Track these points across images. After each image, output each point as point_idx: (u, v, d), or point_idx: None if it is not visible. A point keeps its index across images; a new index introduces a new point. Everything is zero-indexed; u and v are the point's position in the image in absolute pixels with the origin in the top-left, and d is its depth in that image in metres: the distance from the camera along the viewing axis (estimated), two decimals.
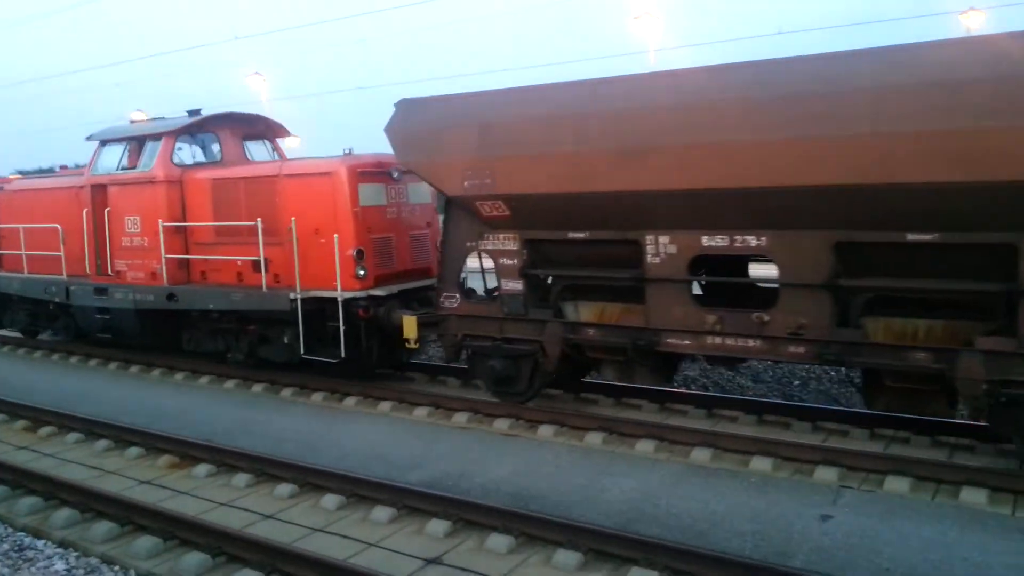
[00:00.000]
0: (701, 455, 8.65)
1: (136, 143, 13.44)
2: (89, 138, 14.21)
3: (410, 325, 10.60)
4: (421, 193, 12.06)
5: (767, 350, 8.68)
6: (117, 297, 13.41)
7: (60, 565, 6.64)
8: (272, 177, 11.91)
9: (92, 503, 7.68)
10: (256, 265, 11.69)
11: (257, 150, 14.15)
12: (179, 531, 6.98)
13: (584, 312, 9.96)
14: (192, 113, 13.40)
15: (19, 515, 7.69)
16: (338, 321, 10.89)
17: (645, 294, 9.20)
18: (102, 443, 9.75)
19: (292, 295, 11.13)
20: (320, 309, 11.18)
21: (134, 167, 13.28)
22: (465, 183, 9.75)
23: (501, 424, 10.04)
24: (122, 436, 9.82)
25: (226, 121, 13.86)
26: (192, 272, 13.02)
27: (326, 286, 10.97)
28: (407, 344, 10.77)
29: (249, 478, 8.33)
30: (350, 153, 11.51)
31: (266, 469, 8.45)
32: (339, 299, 10.81)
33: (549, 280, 10.27)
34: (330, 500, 7.64)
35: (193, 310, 12.77)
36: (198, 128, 13.48)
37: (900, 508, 7.15)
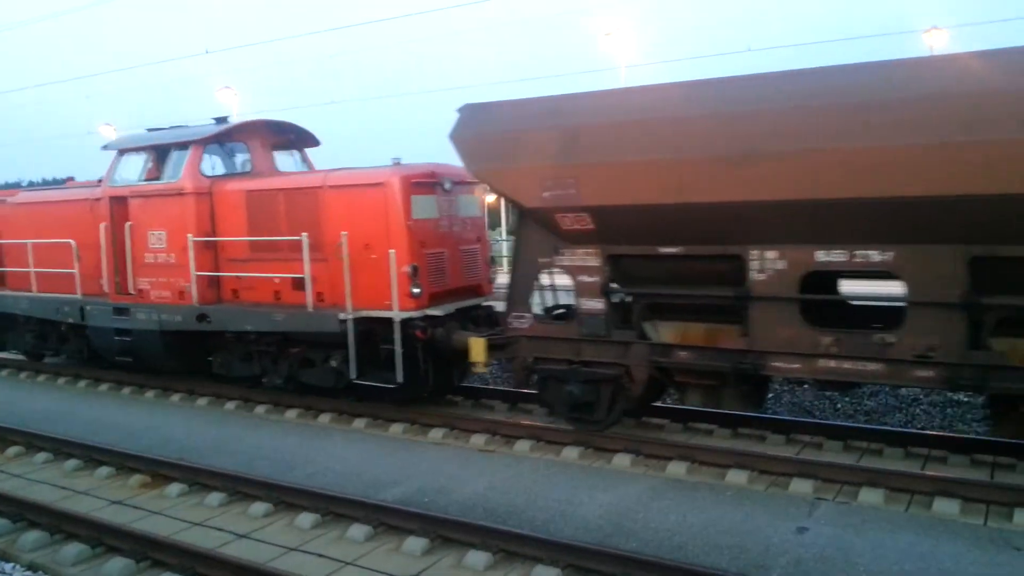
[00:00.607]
0: (677, 468, 8.67)
1: (160, 152, 12.52)
2: (106, 147, 13.38)
3: (478, 348, 9.80)
4: (471, 206, 11.50)
5: (889, 374, 7.96)
6: (140, 318, 12.49)
7: None
8: (316, 189, 11.04)
9: (62, 524, 7.52)
10: (297, 283, 10.94)
11: (284, 161, 13.32)
12: (151, 552, 6.86)
13: (664, 333, 9.26)
14: (219, 121, 12.60)
15: None
16: (392, 343, 10.10)
17: (747, 313, 8.42)
18: (72, 463, 9.57)
19: (342, 315, 10.32)
20: (369, 330, 10.45)
21: (158, 178, 12.38)
22: (544, 193, 8.98)
23: (477, 440, 10.01)
24: (92, 455, 9.64)
25: (255, 129, 12.98)
26: (222, 291, 12.10)
27: (377, 305, 10.25)
28: (473, 368, 10.21)
29: (223, 497, 8.22)
30: (399, 163, 10.79)
31: (240, 488, 8.34)
32: (395, 319, 10.02)
33: (628, 299, 9.50)
34: (305, 518, 7.56)
35: (226, 332, 11.89)
36: (227, 136, 12.60)
37: (874, 519, 7.22)
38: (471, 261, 11.39)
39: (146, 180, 12.51)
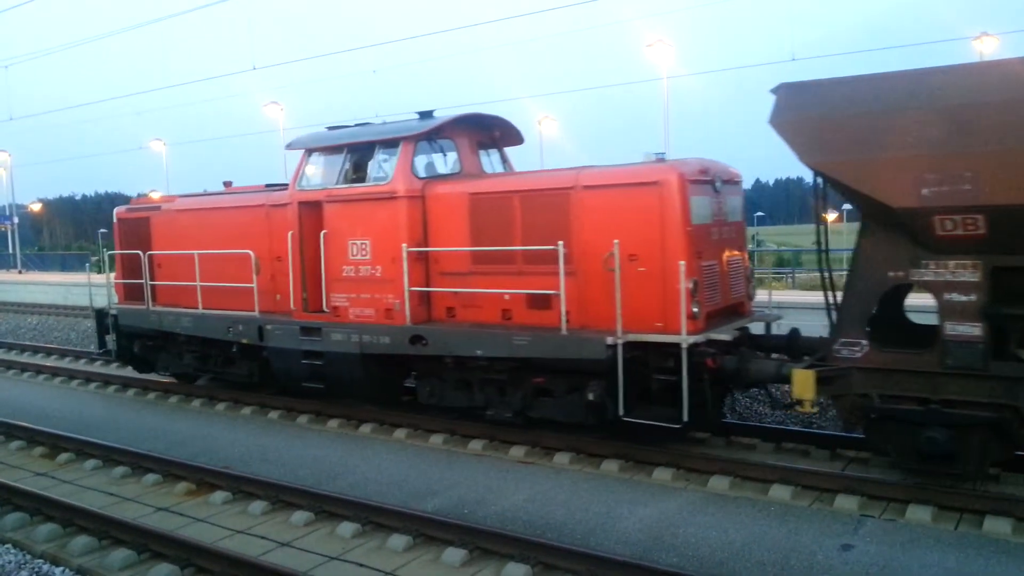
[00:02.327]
0: (720, 483, 8.56)
1: (361, 151, 11.17)
2: (290, 146, 12.04)
3: (806, 382, 8.04)
4: (737, 209, 10.05)
5: None
6: (335, 339, 11.10)
7: None
8: (565, 190, 9.54)
9: (110, 530, 7.69)
10: (536, 301, 9.69)
11: (487, 161, 11.88)
12: (195, 558, 6.97)
13: None
14: (423, 116, 11.14)
15: (37, 542, 7.70)
16: (668, 373, 8.82)
17: None
18: (120, 470, 9.78)
19: (610, 339, 8.87)
20: (632, 358, 8.93)
21: (361, 179, 11.07)
22: (924, 190, 7.35)
23: (517, 451, 10.00)
24: (140, 463, 9.85)
25: (464, 125, 11.49)
26: (434, 309, 10.73)
27: (644, 327, 8.87)
28: (797, 408, 8.37)
29: (265, 505, 8.33)
30: (662, 158, 9.43)
31: (282, 496, 8.44)
32: (683, 345, 8.54)
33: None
34: (346, 528, 7.62)
35: (446, 356, 10.39)
36: (437, 133, 11.13)
37: (922, 537, 7.05)
38: (736, 275, 9.97)
39: (348, 182, 11.19)
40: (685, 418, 8.55)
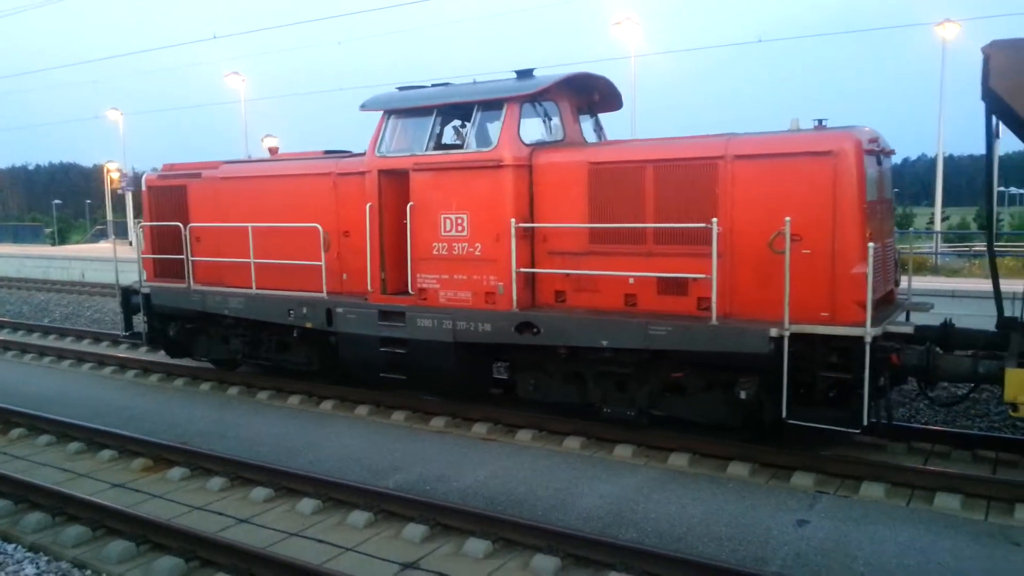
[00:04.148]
0: (679, 460, 8.66)
1: (455, 113, 10.14)
2: (365, 106, 10.58)
3: (1022, 383, 7.32)
4: (890, 184, 9.05)
5: None
6: (422, 325, 9.95)
7: (30, 569, 6.52)
8: (712, 160, 8.40)
9: (64, 506, 7.56)
10: (670, 285, 8.70)
11: (586, 127, 10.77)
12: (152, 535, 6.89)
13: None
14: (522, 75, 9.84)
15: None
16: (842, 369, 7.90)
17: None
18: (74, 445, 9.60)
19: (774, 331, 7.90)
20: (793, 352, 7.85)
21: (458, 146, 10.02)
22: None
23: (479, 428, 10.01)
24: (95, 439, 9.68)
25: (569, 87, 10.26)
26: (540, 292, 9.67)
27: (808, 318, 7.85)
28: (1011, 412, 7.54)
29: (224, 482, 8.24)
30: (823, 124, 8.25)
31: (241, 473, 8.36)
32: (867, 338, 7.51)
33: None
34: (306, 504, 7.57)
35: (559, 347, 9.32)
36: (543, 95, 9.93)
37: (875, 513, 7.20)
38: (890, 259, 9.03)
39: (441, 148, 10.08)
40: (864, 421, 7.64)
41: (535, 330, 9.22)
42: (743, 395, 8.24)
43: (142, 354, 14.93)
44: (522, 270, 9.39)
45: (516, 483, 8.12)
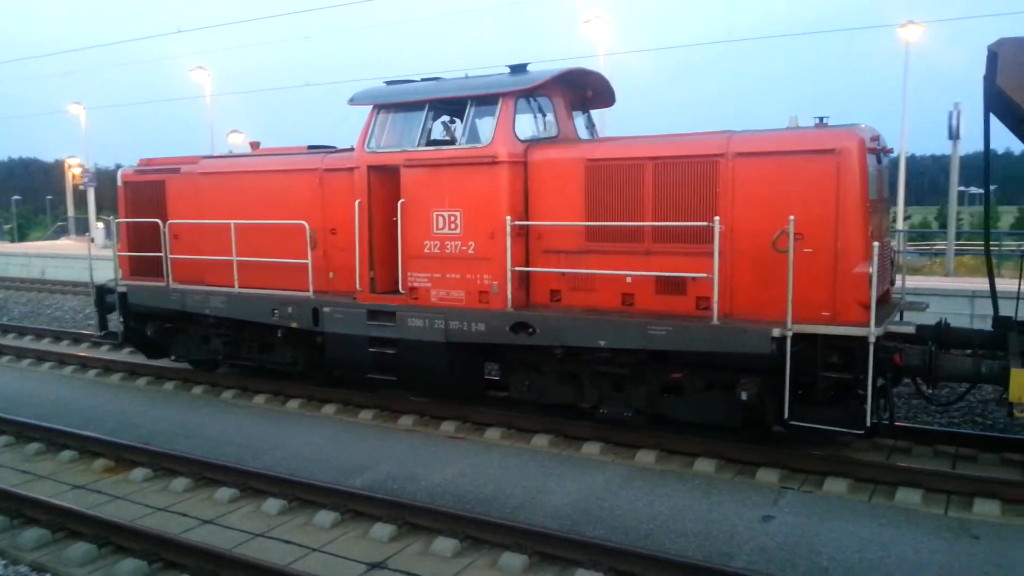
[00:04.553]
0: (646, 457, 8.71)
1: (447, 108, 9.95)
2: (353, 101, 10.32)
3: None
4: (885, 183, 9.00)
5: None
6: (413, 325, 9.73)
7: None
8: (712, 158, 8.32)
9: (22, 509, 7.40)
10: (669, 284, 8.58)
11: (578, 123, 10.58)
12: (114, 537, 6.77)
13: None
14: (516, 69, 9.69)
15: None
16: (843, 369, 7.90)
17: None
18: (33, 446, 9.41)
19: (777, 331, 7.79)
20: (794, 352, 7.75)
21: (447, 141, 9.93)
22: None
23: (447, 427, 9.98)
24: (55, 439, 9.50)
25: (563, 83, 10.10)
26: (534, 292, 9.49)
27: (809, 317, 7.79)
28: (1016, 413, 7.52)
29: (188, 482, 8.13)
30: (824, 123, 8.19)
31: (205, 473, 8.25)
32: (871, 338, 7.45)
33: None
34: (272, 504, 7.50)
35: (555, 347, 9.12)
36: (538, 91, 9.73)
37: (839, 508, 7.30)
38: (887, 259, 9.00)
39: (433, 144, 9.86)
40: (868, 423, 7.59)
41: (530, 330, 9.07)
42: (744, 396, 8.12)
43: (104, 353, 14.70)
44: (517, 269, 9.23)
45: (484, 481, 8.11)
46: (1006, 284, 17.65)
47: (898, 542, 6.57)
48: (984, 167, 8.88)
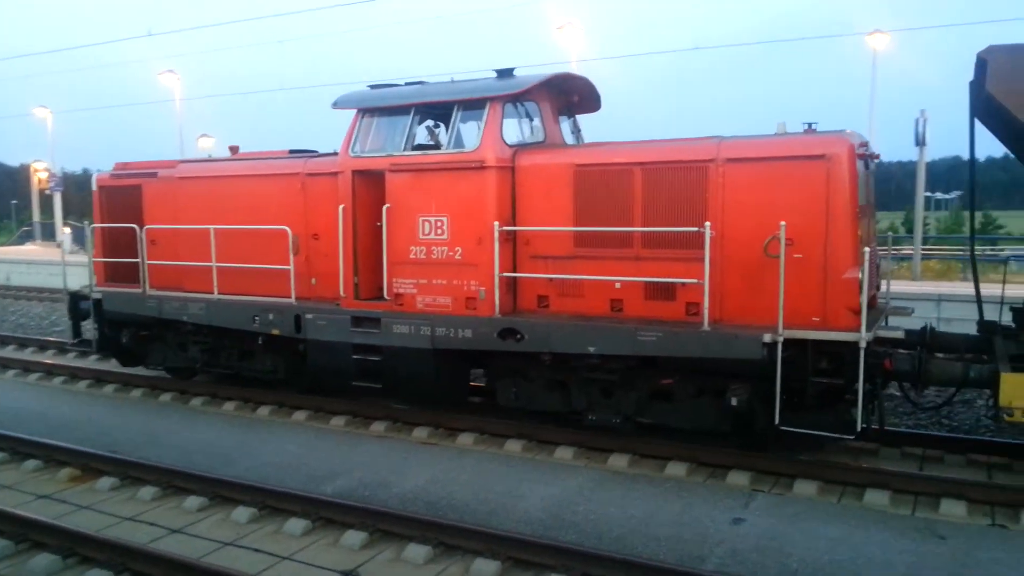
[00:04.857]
0: (619, 461, 8.73)
1: (433, 112, 9.89)
2: (336, 104, 10.24)
3: (1017, 387, 7.29)
4: (872, 188, 8.98)
5: None
6: (399, 332, 9.61)
7: None
8: (702, 163, 8.30)
9: None
10: (658, 290, 8.58)
11: (564, 128, 10.53)
12: (80, 548, 6.65)
13: None
14: (503, 74, 9.59)
15: None
16: (833, 375, 7.93)
17: None
18: None
19: (767, 337, 7.77)
20: (785, 358, 7.72)
21: (433, 146, 9.90)
22: None
23: (420, 433, 9.94)
24: (19, 448, 9.31)
25: (548, 88, 10.05)
26: (521, 298, 9.45)
27: (799, 323, 7.81)
28: (1006, 417, 7.52)
29: (156, 491, 8.02)
30: (813, 129, 8.21)
31: (174, 481, 8.14)
32: (861, 343, 7.48)
33: None
34: (242, 513, 7.41)
35: (544, 353, 9.07)
36: (525, 95, 9.70)
37: (808, 510, 7.37)
38: (874, 264, 8.83)
39: (419, 148, 9.80)
40: (859, 427, 7.61)
41: (519, 336, 8.97)
42: (735, 402, 8.08)
43: (70, 360, 14.48)
44: (506, 275, 9.15)
45: (457, 487, 8.08)
46: (972, 288, 17.95)
47: (866, 543, 6.64)
48: (970, 173, 9.00)
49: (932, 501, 7.51)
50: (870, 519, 7.15)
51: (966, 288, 18.30)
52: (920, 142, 23.69)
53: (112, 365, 13.45)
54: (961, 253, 26.57)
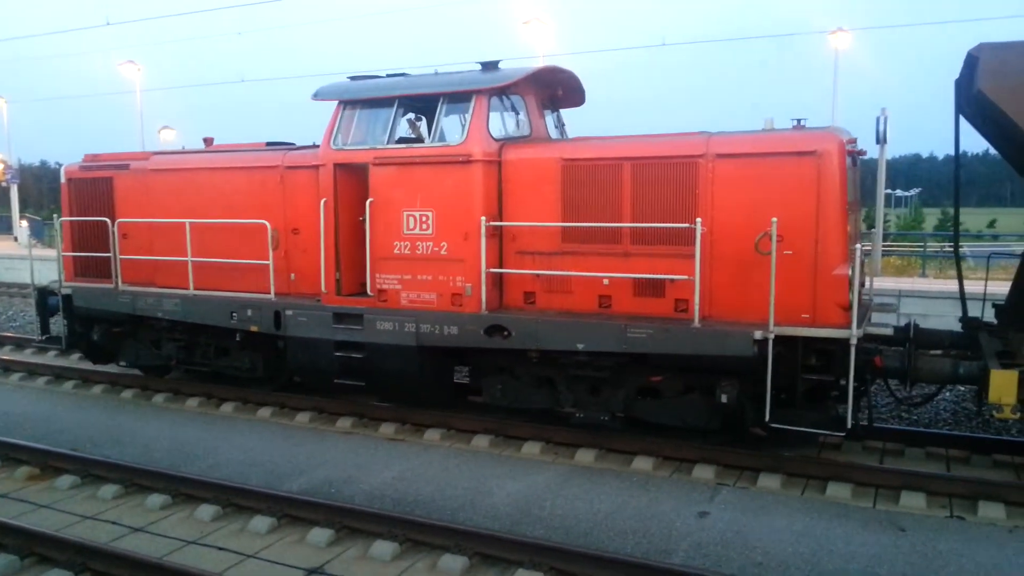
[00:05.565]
0: (586, 456, 8.77)
1: (418, 105, 9.79)
2: (317, 96, 10.07)
3: (1007, 384, 7.27)
4: (856, 186, 8.97)
5: None
6: (382, 328, 9.48)
7: None
8: (692, 159, 8.27)
9: None
10: (647, 286, 8.52)
11: (548, 122, 10.42)
12: (39, 547, 6.52)
13: None
14: (487, 67, 9.51)
15: None
16: (823, 371, 7.91)
17: None
18: None
19: (759, 334, 7.77)
20: (775, 355, 7.75)
21: (416, 139, 9.84)
22: None
23: (386, 428, 9.89)
24: None
25: (534, 82, 9.94)
26: (508, 294, 9.34)
27: (790, 319, 7.77)
28: (995, 414, 7.59)
29: (117, 489, 7.89)
30: (802, 124, 8.20)
31: (136, 479, 8.02)
32: (852, 340, 7.49)
33: None
34: (205, 511, 7.32)
35: (531, 351, 8.97)
36: (511, 89, 9.58)
37: (772, 504, 7.46)
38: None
39: (405, 142, 9.69)
40: (848, 424, 7.64)
41: (506, 333, 8.89)
42: (724, 399, 8.08)
43: (28, 356, 14.17)
44: (492, 270, 9.04)
45: (424, 483, 8.06)
46: (934, 284, 18.31)
47: (829, 535, 6.74)
48: (955, 170, 9.05)
49: (893, 494, 7.65)
50: (832, 512, 7.26)
51: (926, 284, 18.69)
52: (881, 140, 24.04)
53: (72, 361, 13.21)
54: (920, 248, 27.05)
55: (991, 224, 69.66)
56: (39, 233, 37.96)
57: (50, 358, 13.97)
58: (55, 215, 12.55)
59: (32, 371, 13.06)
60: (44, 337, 12.75)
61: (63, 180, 12.45)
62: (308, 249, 10.19)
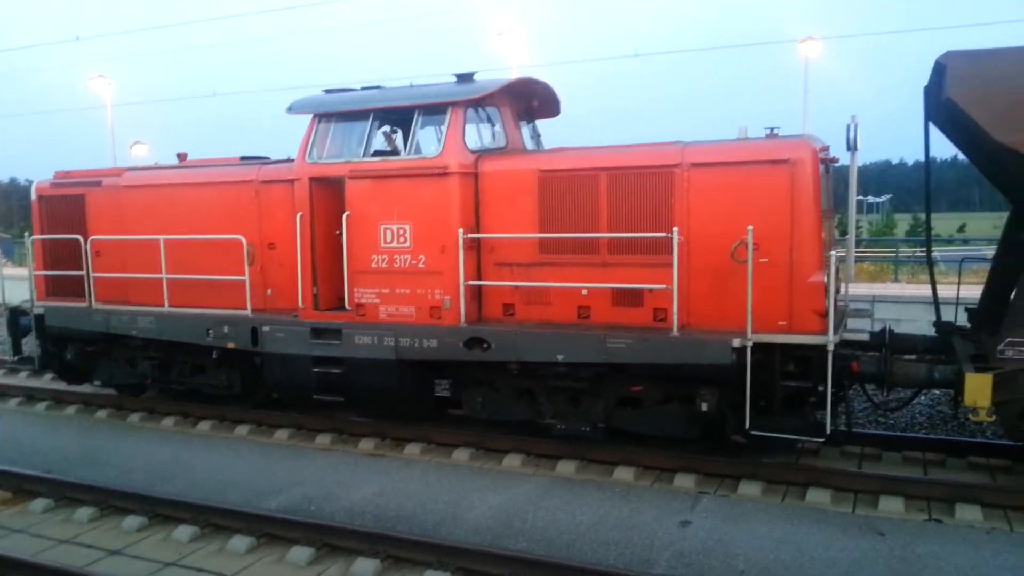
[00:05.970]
0: (567, 467, 8.76)
1: (393, 117, 9.78)
2: (291, 109, 10.01)
3: (981, 387, 7.36)
4: (828, 194, 9.01)
5: None
6: (361, 343, 9.41)
7: None
8: (667, 168, 8.30)
9: None
10: (624, 297, 8.54)
11: (523, 133, 10.46)
12: (12, 573, 6.40)
13: None
14: (463, 78, 9.51)
15: None
16: (801, 378, 7.98)
17: None
18: None
19: (737, 342, 7.81)
20: (755, 362, 7.75)
21: (394, 152, 9.80)
22: None
23: (366, 444, 9.82)
24: None
25: (509, 93, 9.97)
26: (486, 306, 9.32)
27: (766, 327, 7.81)
28: (970, 416, 7.71)
29: (93, 512, 7.77)
30: (775, 133, 8.29)
31: (112, 501, 7.90)
32: (829, 347, 7.55)
33: None
34: (183, 531, 7.22)
35: (511, 363, 8.95)
36: (486, 100, 9.60)
37: (753, 511, 7.49)
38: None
39: (381, 155, 9.68)
40: (828, 430, 7.71)
41: (485, 345, 8.86)
42: (704, 407, 8.11)
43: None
44: (471, 283, 9.03)
45: (405, 498, 8.01)
46: (906, 289, 18.52)
47: (810, 541, 6.78)
48: (925, 177, 9.14)
49: (871, 498, 7.71)
50: (812, 518, 7.31)
51: (899, 289, 18.91)
52: (851, 147, 24.33)
53: (44, 382, 13.01)
54: (892, 254, 27.39)
55: (961, 228, 70.70)
56: (9, 251, 37.49)
57: (22, 379, 13.75)
58: (26, 233, 12.40)
59: (3, 392, 12.84)
60: (16, 358, 12.58)
61: (34, 197, 12.26)
62: (285, 264, 10.11)
